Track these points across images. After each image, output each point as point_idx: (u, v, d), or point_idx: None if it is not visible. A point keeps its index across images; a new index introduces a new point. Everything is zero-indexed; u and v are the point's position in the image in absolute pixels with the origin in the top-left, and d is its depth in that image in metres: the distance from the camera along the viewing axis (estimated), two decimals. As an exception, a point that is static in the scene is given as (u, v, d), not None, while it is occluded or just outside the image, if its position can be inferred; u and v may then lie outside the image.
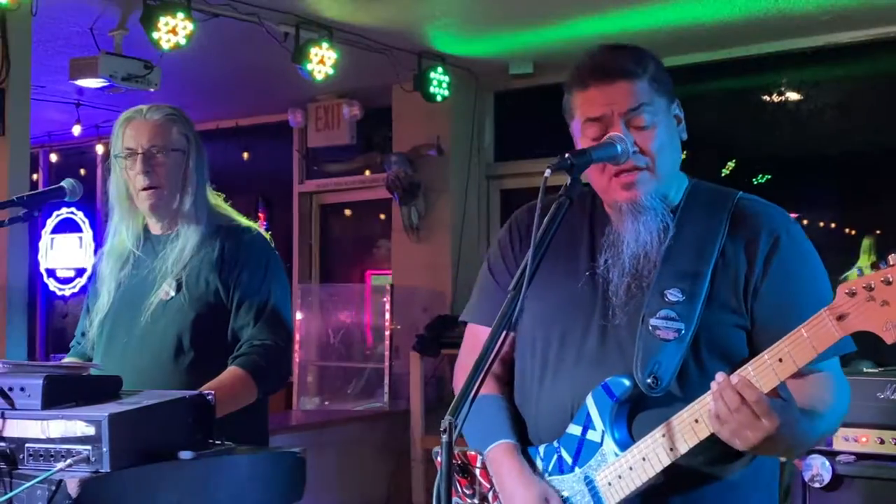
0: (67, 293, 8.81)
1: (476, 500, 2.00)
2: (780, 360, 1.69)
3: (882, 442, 3.40)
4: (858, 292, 1.62)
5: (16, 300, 4.74)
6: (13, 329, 4.73)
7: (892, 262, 1.59)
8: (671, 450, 1.78)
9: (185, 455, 1.93)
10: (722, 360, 1.85)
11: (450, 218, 6.76)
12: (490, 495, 1.99)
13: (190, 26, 4.83)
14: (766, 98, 6.12)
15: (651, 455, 1.80)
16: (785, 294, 1.86)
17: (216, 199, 2.83)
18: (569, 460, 1.91)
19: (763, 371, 1.70)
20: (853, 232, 5.79)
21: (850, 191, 5.99)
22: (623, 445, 1.84)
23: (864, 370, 3.55)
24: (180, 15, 4.80)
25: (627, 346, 1.87)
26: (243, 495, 2.04)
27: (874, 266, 1.60)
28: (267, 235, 2.82)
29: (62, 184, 2.62)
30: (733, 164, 6.05)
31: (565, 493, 1.90)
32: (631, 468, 1.82)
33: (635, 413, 1.87)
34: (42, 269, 8.88)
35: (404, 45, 5.92)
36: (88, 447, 1.83)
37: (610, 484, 1.84)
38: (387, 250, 7.46)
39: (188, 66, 5.96)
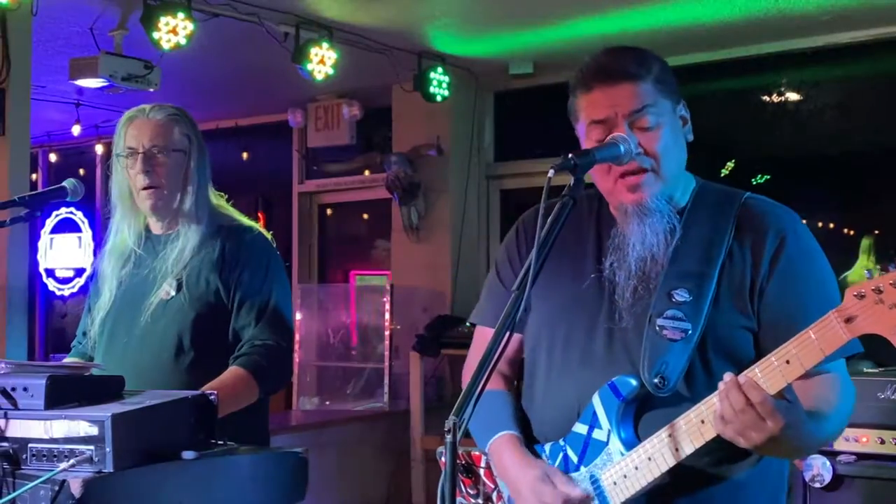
0: (67, 293, 8.81)
1: (480, 501, 2.00)
2: (788, 361, 1.68)
3: (882, 442, 3.40)
4: (867, 295, 1.61)
5: (16, 300, 4.73)
6: (13, 329, 4.72)
7: None
8: (677, 450, 1.78)
9: (189, 455, 1.93)
10: (728, 361, 1.85)
11: (449, 218, 6.76)
12: (494, 495, 1.99)
13: (190, 26, 4.83)
14: (766, 98, 6.12)
15: (657, 455, 1.80)
16: (791, 294, 1.85)
17: (218, 200, 2.83)
18: (574, 459, 1.91)
19: (770, 372, 1.70)
20: (852, 232, 5.79)
21: (849, 191, 5.99)
22: (629, 445, 1.84)
23: (865, 370, 3.55)
24: (181, 15, 4.80)
25: (634, 347, 1.88)
26: (246, 495, 2.04)
27: (883, 269, 1.59)
28: (268, 235, 2.82)
29: (64, 184, 2.62)
30: (732, 165, 6.05)
31: None
32: (636, 468, 1.82)
33: (642, 413, 1.87)
34: (41, 269, 8.88)
35: (404, 45, 5.92)
36: (92, 447, 1.83)
37: (615, 483, 1.85)
38: (383, 251, 7.47)
39: (188, 66, 5.96)
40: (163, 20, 4.77)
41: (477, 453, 2.02)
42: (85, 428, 1.84)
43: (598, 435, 1.88)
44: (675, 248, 1.90)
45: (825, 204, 6.00)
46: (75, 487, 1.76)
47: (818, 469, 3.42)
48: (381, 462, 6.24)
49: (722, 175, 6.05)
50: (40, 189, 7.36)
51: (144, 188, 2.68)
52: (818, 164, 6.05)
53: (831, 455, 3.42)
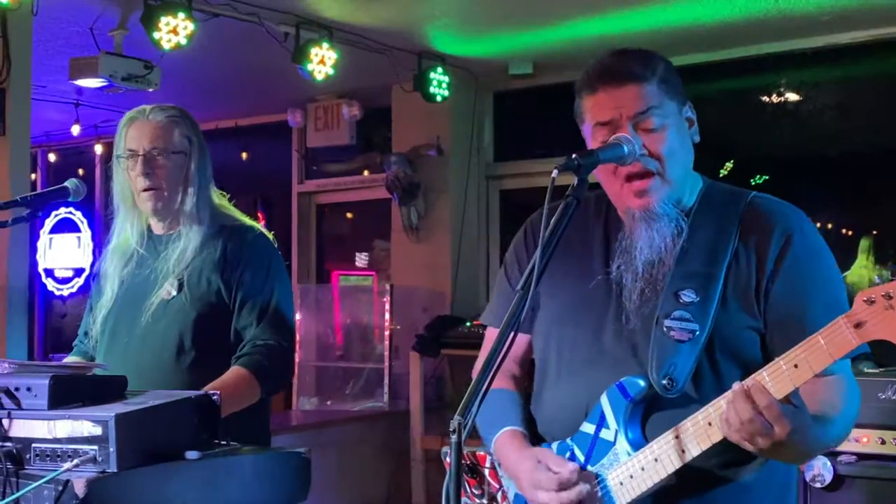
0: (66, 293, 8.80)
1: (485, 501, 2.01)
2: (796, 365, 1.68)
3: (883, 442, 3.41)
4: (877, 300, 1.61)
5: (16, 300, 4.73)
6: (13, 329, 4.72)
7: None
8: (683, 452, 1.78)
9: (192, 455, 1.93)
10: (736, 362, 1.85)
11: (449, 218, 6.76)
12: (499, 495, 1.99)
13: (191, 26, 4.83)
14: (766, 99, 6.12)
15: (663, 456, 1.80)
16: (797, 294, 1.85)
17: (220, 200, 2.83)
18: (581, 458, 1.91)
19: (778, 377, 1.69)
20: (850, 233, 5.79)
21: (849, 191, 5.99)
22: (636, 445, 1.84)
23: (865, 370, 3.55)
24: (181, 15, 4.80)
25: (642, 348, 1.88)
26: (249, 495, 2.04)
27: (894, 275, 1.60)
28: (270, 235, 2.82)
29: (66, 184, 2.62)
30: (731, 165, 6.05)
31: None
32: (643, 469, 1.82)
33: (649, 414, 1.87)
34: (40, 269, 8.87)
35: (404, 45, 5.91)
36: (95, 447, 1.82)
37: (621, 483, 1.85)
38: (381, 251, 7.47)
39: (188, 66, 5.96)
40: (163, 20, 4.76)
41: (482, 453, 2.02)
42: (88, 428, 1.84)
43: (606, 435, 1.88)
44: (681, 248, 1.90)
45: (824, 204, 6.01)
46: (79, 487, 1.76)
47: (819, 469, 3.42)
48: (380, 462, 6.24)
49: (721, 175, 6.06)
50: (39, 189, 7.35)
51: (145, 190, 2.69)
52: (817, 164, 6.04)
53: (832, 455, 3.42)
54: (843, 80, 5.90)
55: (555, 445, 1.97)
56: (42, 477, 1.80)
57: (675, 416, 1.82)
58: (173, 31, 4.78)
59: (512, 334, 1.62)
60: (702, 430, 1.77)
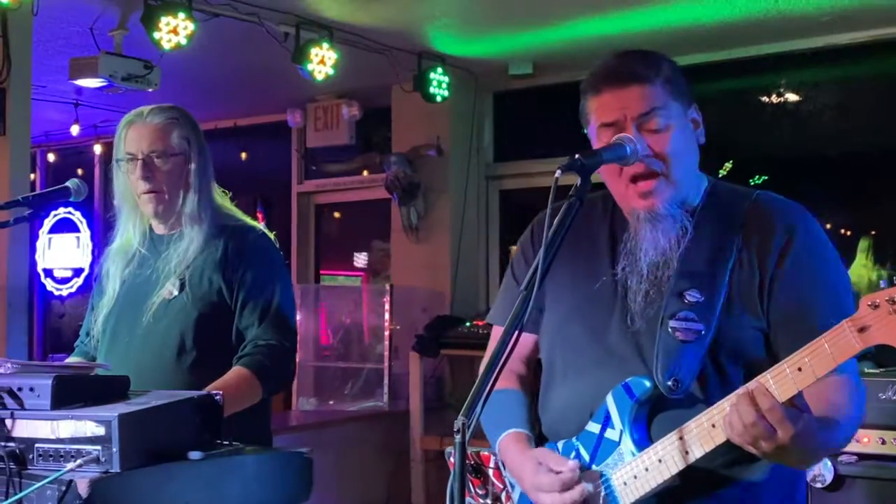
0: (65, 293, 8.79)
1: (489, 501, 2.01)
2: (800, 369, 1.67)
3: (883, 442, 3.41)
4: (881, 305, 1.60)
5: (16, 300, 4.73)
6: (14, 329, 4.72)
7: None
8: (686, 453, 1.78)
9: (195, 455, 1.93)
10: (741, 363, 1.85)
11: (449, 218, 6.76)
12: (503, 496, 1.99)
13: (191, 26, 4.83)
14: (766, 99, 6.13)
15: (667, 457, 1.80)
16: (801, 292, 1.84)
17: (222, 199, 2.83)
18: (587, 458, 1.91)
19: (782, 380, 1.69)
20: (849, 233, 5.80)
21: (848, 191, 5.99)
22: (640, 446, 1.84)
23: (866, 370, 3.55)
24: (181, 15, 4.80)
25: (647, 349, 1.87)
26: (252, 495, 2.04)
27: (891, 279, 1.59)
28: (272, 235, 2.82)
29: (67, 184, 2.62)
30: (730, 165, 6.06)
31: None
32: (647, 469, 1.82)
33: (655, 414, 1.87)
34: (39, 269, 8.86)
35: (404, 45, 5.92)
36: (98, 447, 1.82)
37: (625, 483, 1.84)
38: (378, 251, 7.47)
39: (188, 66, 5.96)
40: (163, 20, 4.76)
41: (486, 453, 2.02)
42: (92, 428, 1.84)
43: (611, 435, 1.88)
44: (686, 248, 1.90)
45: (824, 204, 6.00)
46: (82, 488, 1.76)
47: (819, 469, 3.43)
48: (380, 462, 6.24)
49: (720, 176, 6.05)
50: (39, 189, 7.35)
51: (145, 193, 2.69)
52: (817, 164, 6.04)
53: (833, 455, 3.42)
54: (842, 80, 5.90)
55: (561, 444, 1.97)
56: (45, 477, 1.80)
57: (680, 417, 1.81)
58: (173, 31, 4.78)
59: (515, 335, 1.62)
60: (705, 431, 1.76)
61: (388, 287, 6.65)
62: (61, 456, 1.85)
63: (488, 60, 6.28)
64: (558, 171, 1.69)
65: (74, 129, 7.30)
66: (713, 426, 1.75)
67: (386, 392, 6.53)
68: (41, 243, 8.87)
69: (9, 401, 1.94)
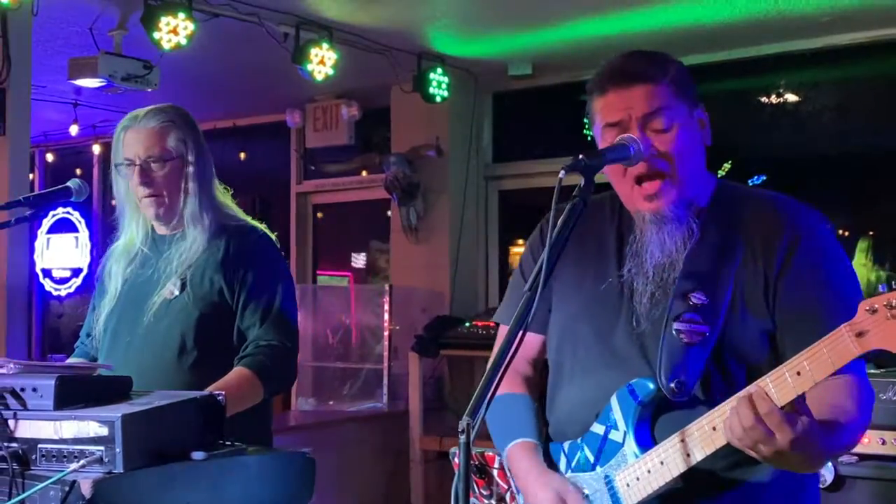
0: (63, 293, 8.78)
1: (493, 501, 2.01)
2: (799, 373, 1.67)
3: (884, 443, 3.41)
4: (879, 310, 1.60)
5: (16, 300, 4.72)
6: (14, 329, 4.72)
7: None
8: (688, 456, 1.78)
9: (198, 455, 1.93)
10: (745, 365, 1.84)
11: (448, 219, 6.76)
12: (507, 496, 1.99)
13: (191, 26, 4.83)
14: (765, 99, 6.13)
15: (669, 460, 1.80)
16: (807, 293, 1.84)
17: (224, 197, 2.83)
18: (591, 458, 1.91)
19: (781, 384, 1.68)
20: (848, 233, 5.80)
21: (847, 192, 5.99)
22: (644, 447, 1.84)
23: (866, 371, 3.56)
24: (181, 15, 4.79)
25: (652, 350, 1.87)
26: (255, 496, 2.04)
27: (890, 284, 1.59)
28: (273, 236, 2.82)
29: (69, 184, 2.62)
30: (729, 165, 6.06)
31: (586, 491, 1.91)
32: (649, 471, 1.82)
33: (658, 416, 1.87)
34: (38, 270, 8.85)
35: (404, 45, 5.91)
36: (101, 448, 1.82)
37: (628, 485, 1.85)
38: (376, 251, 7.46)
39: (187, 66, 5.96)
40: (163, 20, 4.76)
41: (490, 454, 2.02)
42: (95, 428, 1.84)
43: (615, 436, 1.88)
44: (692, 249, 1.90)
45: (823, 205, 5.96)
46: (85, 488, 1.76)
47: (820, 469, 3.43)
48: (379, 463, 6.24)
49: (719, 176, 6.04)
50: (38, 189, 7.34)
51: (145, 197, 2.69)
52: (816, 164, 6.05)
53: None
54: (842, 80, 5.91)
55: (566, 445, 1.97)
56: (48, 478, 1.80)
57: (683, 419, 1.81)
58: (173, 31, 4.78)
59: (519, 335, 1.62)
60: (706, 434, 1.76)
61: (387, 287, 6.64)
62: (64, 456, 1.85)
63: (488, 61, 6.27)
64: (562, 172, 1.68)
65: (73, 129, 7.30)
66: (714, 429, 1.75)
67: (385, 392, 6.52)
68: (40, 243, 8.86)
69: (12, 401, 1.94)
